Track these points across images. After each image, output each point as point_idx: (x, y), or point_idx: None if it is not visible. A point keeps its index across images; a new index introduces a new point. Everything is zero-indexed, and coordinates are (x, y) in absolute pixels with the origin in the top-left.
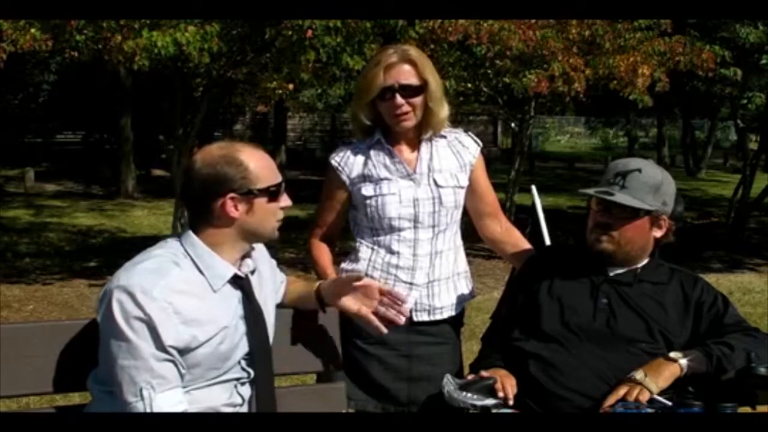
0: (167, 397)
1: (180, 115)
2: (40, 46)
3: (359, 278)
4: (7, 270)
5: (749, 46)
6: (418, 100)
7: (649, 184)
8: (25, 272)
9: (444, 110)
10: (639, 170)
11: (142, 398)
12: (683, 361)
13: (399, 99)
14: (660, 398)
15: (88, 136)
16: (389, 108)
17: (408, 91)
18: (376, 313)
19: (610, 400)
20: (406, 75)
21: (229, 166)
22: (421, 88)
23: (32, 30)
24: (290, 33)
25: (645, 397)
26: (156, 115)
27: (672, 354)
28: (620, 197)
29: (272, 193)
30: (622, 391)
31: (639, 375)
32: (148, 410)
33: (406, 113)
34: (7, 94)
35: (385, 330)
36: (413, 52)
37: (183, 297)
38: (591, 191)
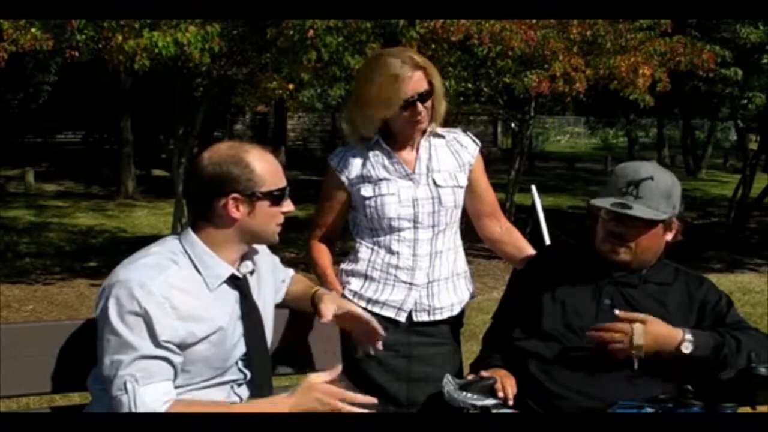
0: (151, 390)
1: (180, 115)
2: (41, 46)
3: (367, 321)
4: (8, 270)
5: (750, 46)
6: (430, 103)
7: (663, 193)
8: (26, 272)
9: (444, 104)
10: (651, 178)
11: (126, 391)
12: (689, 335)
13: (420, 107)
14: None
15: (88, 136)
16: (410, 116)
17: (425, 98)
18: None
19: (596, 335)
20: (421, 83)
21: (236, 166)
22: (432, 92)
23: (32, 30)
24: (292, 33)
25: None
26: (156, 115)
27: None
28: (639, 209)
29: (275, 197)
30: (607, 335)
31: (638, 328)
32: (132, 403)
33: (423, 118)
34: (7, 94)
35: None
36: (417, 56)
37: (180, 293)
38: (607, 204)
